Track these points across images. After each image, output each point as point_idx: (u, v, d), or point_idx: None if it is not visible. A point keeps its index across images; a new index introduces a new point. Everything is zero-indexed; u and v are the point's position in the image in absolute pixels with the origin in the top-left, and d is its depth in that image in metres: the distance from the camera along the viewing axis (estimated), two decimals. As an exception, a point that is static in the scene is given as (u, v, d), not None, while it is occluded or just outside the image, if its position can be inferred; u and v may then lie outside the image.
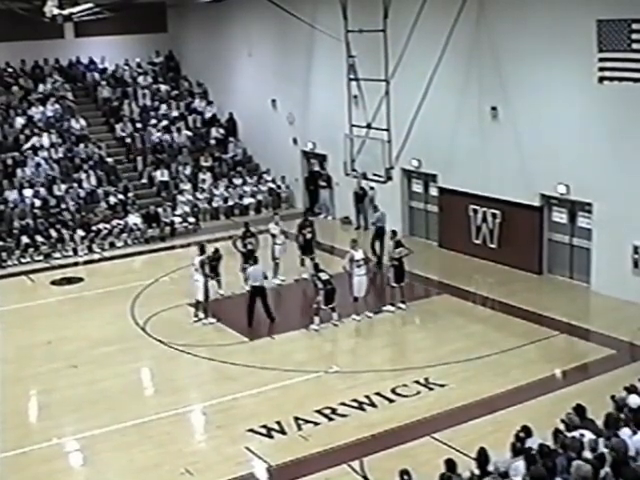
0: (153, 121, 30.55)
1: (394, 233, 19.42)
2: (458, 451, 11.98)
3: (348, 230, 25.02)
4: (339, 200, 27.12)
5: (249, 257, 20.17)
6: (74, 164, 27.88)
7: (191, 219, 27.16)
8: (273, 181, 29.79)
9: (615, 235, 18.81)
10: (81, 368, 16.39)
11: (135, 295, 20.50)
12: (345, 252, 22.45)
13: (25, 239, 24.25)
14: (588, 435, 10.03)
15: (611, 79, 18.01)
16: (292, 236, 22.57)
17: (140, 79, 32.47)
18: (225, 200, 28.73)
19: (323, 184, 27.88)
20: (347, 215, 26.44)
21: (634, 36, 17.30)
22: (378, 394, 14.70)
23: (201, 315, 18.53)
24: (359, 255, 18.50)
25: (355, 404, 14.38)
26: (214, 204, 28.50)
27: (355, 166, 21.06)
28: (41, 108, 29.46)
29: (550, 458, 9.48)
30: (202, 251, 18.82)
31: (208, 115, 32.10)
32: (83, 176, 27.26)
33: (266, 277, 18.31)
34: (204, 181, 28.97)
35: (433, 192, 24.16)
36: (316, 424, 13.78)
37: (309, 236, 21.26)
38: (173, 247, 25.44)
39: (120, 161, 29.17)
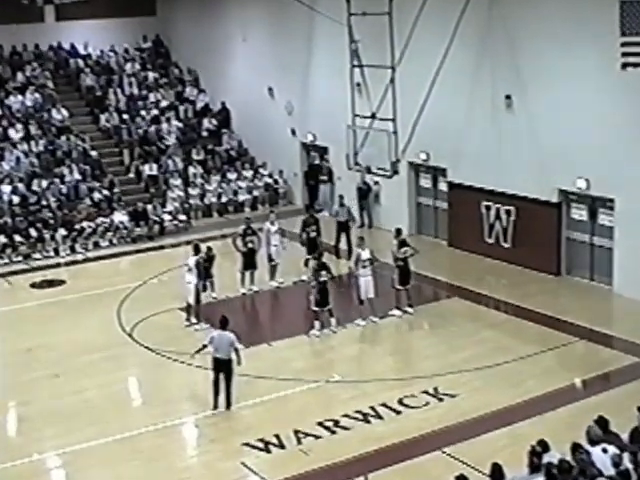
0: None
1: (398, 232, 19.39)
2: (470, 466, 11.97)
3: (351, 228, 24.93)
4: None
5: (249, 257, 20.22)
6: (55, 158, 27.86)
7: (182, 217, 27.14)
8: (270, 176, 29.77)
9: (639, 233, 18.78)
10: (63, 377, 16.36)
11: (122, 299, 20.47)
12: (345, 251, 22.68)
13: (2, 239, 24.21)
14: (611, 449, 10.02)
15: (635, 65, 17.95)
16: (290, 235, 22.58)
17: (127, 66, 32.47)
18: (218, 196, 28.73)
19: (324, 179, 27.87)
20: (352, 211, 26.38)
21: (660, 19, 17.30)
22: (384, 405, 14.69)
23: (193, 320, 18.52)
24: (366, 255, 18.50)
25: (359, 416, 14.37)
26: (206, 200, 28.50)
27: (358, 159, 21.05)
28: (20, 97, 29.42)
29: (570, 475, 9.46)
30: (197, 251, 18.81)
31: (200, 105, 32.09)
32: (65, 171, 27.23)
33: (236, 350, 14.73)
34: (195, 176, 28.98)
35: (442, 187, 24.14)
36: (317, 437, 13.77)
37: (313, 234, 21.24)
38: (162, 247, 25.43)
39: (105, 154, 29.14)
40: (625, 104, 18.74)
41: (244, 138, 31.30)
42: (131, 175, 28.95)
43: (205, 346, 15.00)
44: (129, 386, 16.62)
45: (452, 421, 14.06)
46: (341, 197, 24.26)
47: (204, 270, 18.96)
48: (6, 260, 23.95)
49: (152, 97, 31.58)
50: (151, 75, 32.50)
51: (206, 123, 31.39)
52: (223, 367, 14.71)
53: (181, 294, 18.92)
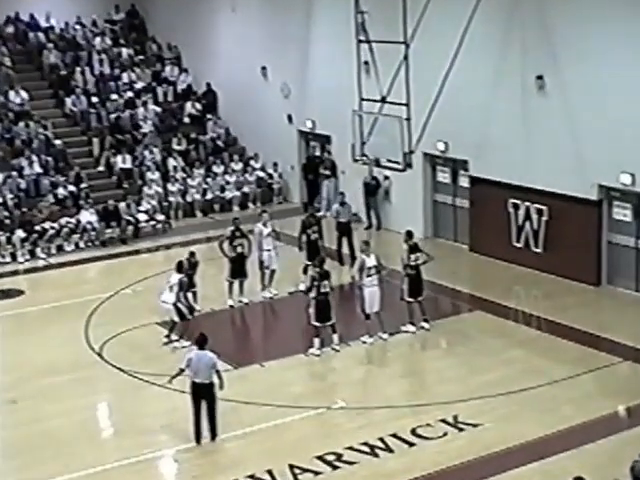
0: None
1: (409, 235, 19.36)
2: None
3: (357, 230, 25.03)
4: (345, 192, 27.09)
5: (238, 263, 20.22)
6: (13, 147, 27.92)
7: (160, 217, 27.20)
8: (263, 169, 29.82)
9: (692, 237, 18.88)
10: (22, 403, 16.33)
11: (90, 312, 20.49)
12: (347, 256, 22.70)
13: (-48, 241, 24.35)
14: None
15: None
16: (286, 238, 22.60)
17: (96, 41, 32.53)
18: (203, 193, 28.77)
19: (325, 173, 27.90)
20: (355, 211, 26.43)
21: None
22: (395, 436, 14.68)
23: (174, 337, 18.52)
24: (371, 261, 18.50)
25: (366, 448, 14.35)
26: (188, 198, 28.55)
27: (366, 150, 21.08)
28: (-28, 78, 29.60)
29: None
30: (180, 269, 18.68)
31: (181, 86, 32.15)
32: (24, 162, 27.27)
33: (218, 372, 14.79)
34: (176, 169, 29.01)
35: (463, 183, 24.22)
36: (316, 473, 13.73)
37: (315, 237, 21.26)
38: (137, 252, 25.51)
39: (71, 144, 29.17)
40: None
41: (233, 125, 31.37)
42: (101, 168, 28.98)
43: (182, 370, 14.94)
44: (98, 414, 16.59)
45: (474, 455, 14.02)
46: (342, 194, 24.29)
47: (188, 279, 18.93)
48: (-45, 267, 24.10)
49: (125, 77, 31.66)
50: (125, 52, 32.60)
51: (189, 108, 31.47)
52: (204, 393, 14.66)
53: (159, 308, 18.90)
